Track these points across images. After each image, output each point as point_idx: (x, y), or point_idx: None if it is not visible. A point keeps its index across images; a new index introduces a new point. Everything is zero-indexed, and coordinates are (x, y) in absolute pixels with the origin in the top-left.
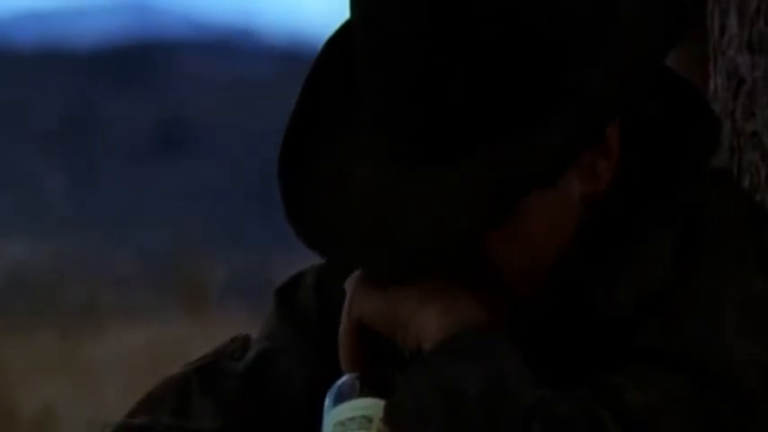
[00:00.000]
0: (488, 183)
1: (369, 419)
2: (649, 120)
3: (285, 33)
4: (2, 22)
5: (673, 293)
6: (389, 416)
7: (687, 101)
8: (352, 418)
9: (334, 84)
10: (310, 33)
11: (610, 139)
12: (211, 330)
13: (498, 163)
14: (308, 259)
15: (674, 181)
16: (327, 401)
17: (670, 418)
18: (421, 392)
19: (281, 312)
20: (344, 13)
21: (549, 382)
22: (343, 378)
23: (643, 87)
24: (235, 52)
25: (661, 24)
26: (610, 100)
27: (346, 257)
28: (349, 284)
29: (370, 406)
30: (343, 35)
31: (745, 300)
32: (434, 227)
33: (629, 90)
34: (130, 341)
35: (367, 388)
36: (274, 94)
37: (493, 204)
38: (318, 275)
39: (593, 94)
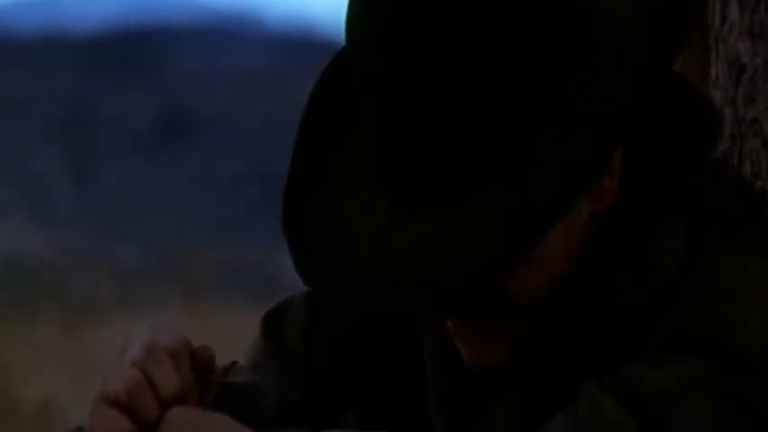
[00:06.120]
0: (506, 222)
1: None
2: (648, 124)
3: (289, 20)
4: (1, 8)
5: (683, 279)
6: None
7: (683, 95)
8: None
9: (335, 118)
10: (314, 20)
11: (614, 156)
12: (212, 322)
13: (512, 201)
14: None
15: (676, 177)
16: None
17: (689, 397)
18: None
19: (268, 343)
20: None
21: (566, 379)
22: None
23: (646, 101)
24: (237, 39)
25: (663, 39)
26: (616, 126)
27: (355, 301)
28: None
29: None
30: (341, 57)
31: (755, 280)
32: (453, 269)
33: (634, 109)
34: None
35: None
36: (277, 82)
37: (513, 244)
38: (309, 302)
39: (600, 122)
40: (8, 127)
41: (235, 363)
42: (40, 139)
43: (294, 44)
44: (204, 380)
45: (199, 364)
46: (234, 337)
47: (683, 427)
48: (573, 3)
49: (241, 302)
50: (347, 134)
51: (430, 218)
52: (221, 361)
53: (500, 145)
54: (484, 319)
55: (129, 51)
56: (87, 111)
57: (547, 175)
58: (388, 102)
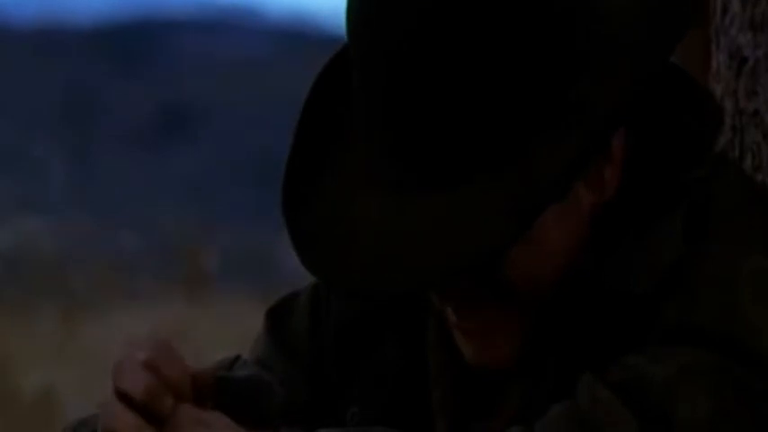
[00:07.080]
0: (505, 202)
1: None
2: (650, 116)
3: (288, 12)
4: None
5: (685, 271)
6: None
7: (684, 89)
8: None
9: (335, 106)
10: (313, 12)
11: (614, 146)
12: (213, 313)
13: (512, 182)
14: None
15: (678, 169)
16: None
17: (688, 388)
18: None
19: (273, 339)
20: None
21: (569, 377)
22: None
23: (646, 91)
24: (236, 31)
25: (662, 33)
26: (616, 113)
27: (360, 286)
28: None
29: None
30: (342, 54)
31: (756, 272)
32: (455, 248)
33: (635, 100)
34: (132, 324)
35: None
36: (276, 73)
37: (512, 222)
38: (313, 296)
39: (600, 108)
40: (8, 120)
41: (238, 356)
42: (41, 133)
43: (293, 35)
44: (201, 400)
45: (198, 387)
46: (235, 328)
47: (683, 418)
48: None
49: (242, 293)
50: (346, 121)
51: (431, 200)
52: (224, 351)
53: (501, 127)
54: (487, 312)
55: (128, 43)
56: (86, 102)
57: (546, 157)
58: (389, 86)
